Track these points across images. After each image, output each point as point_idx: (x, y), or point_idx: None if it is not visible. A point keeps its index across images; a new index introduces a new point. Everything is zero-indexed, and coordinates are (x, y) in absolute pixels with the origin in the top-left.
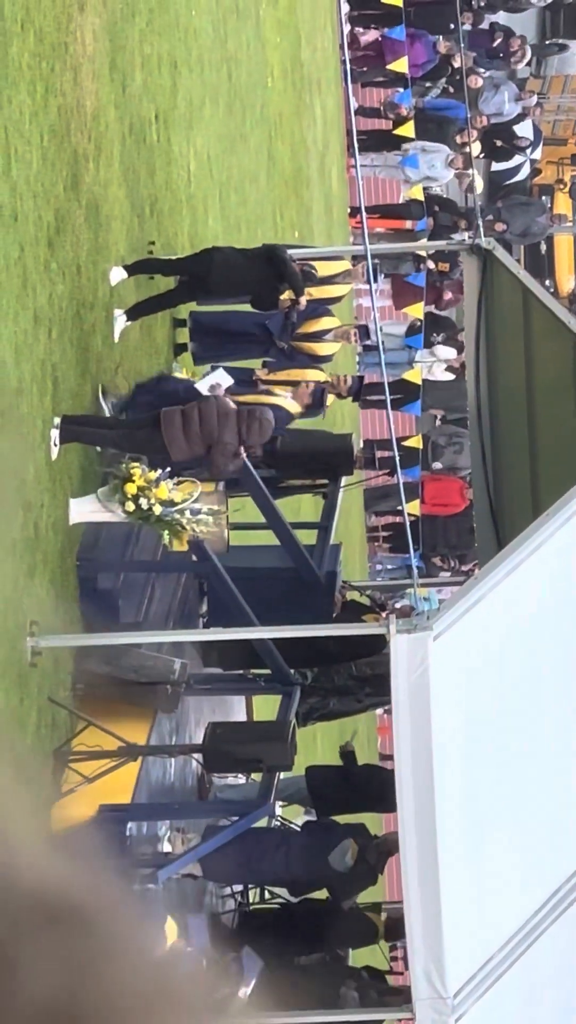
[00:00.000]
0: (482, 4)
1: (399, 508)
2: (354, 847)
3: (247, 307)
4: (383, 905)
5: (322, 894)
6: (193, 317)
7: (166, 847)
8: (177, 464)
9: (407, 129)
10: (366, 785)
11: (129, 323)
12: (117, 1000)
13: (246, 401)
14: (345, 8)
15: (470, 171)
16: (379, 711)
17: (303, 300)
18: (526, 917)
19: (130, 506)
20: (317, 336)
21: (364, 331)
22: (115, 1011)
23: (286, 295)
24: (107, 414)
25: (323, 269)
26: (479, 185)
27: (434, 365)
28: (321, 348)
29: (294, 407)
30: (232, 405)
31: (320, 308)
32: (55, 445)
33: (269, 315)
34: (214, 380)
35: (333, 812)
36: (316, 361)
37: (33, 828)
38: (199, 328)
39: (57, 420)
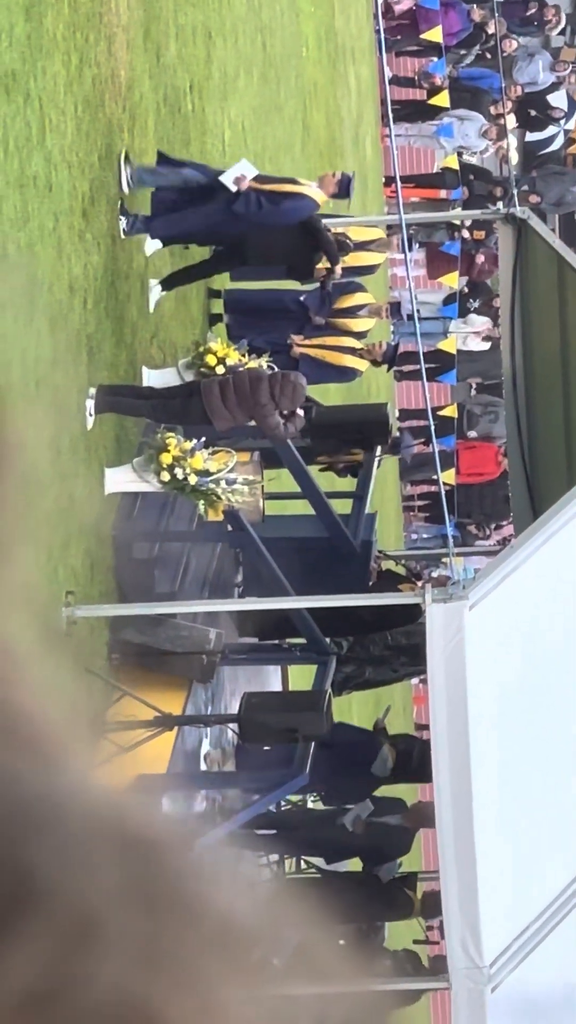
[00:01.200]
0: None
1: (434, 477)
2: (392, 752)
3: (283, 284)
4: (419, 876)
5: (358, 864)
6: (228, 293)
7: (202, 765)
8: (213, 434)
9: (441, 99)
10: (402, 755)
11: (164, 293)
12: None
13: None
14: None
15: (504, 142)
16: (415, 681)
17: (338, 269)
18: (562, 887)
19: (165, 476)
20: (351, 312)
21: (396, 308)
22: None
23: (321, 264)
24: (126, 183)
25: (357, 235)
26: (514, 156)
27: (468, 337)
28: (356, 324)
29: (319, 195)
30: (264, 371)
31: (353, 283)
32: (90, 415)
33: (305, 292)
34: (238, 172)
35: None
36: (351, 337)
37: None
38: (234, 304)
39: (92, 390)
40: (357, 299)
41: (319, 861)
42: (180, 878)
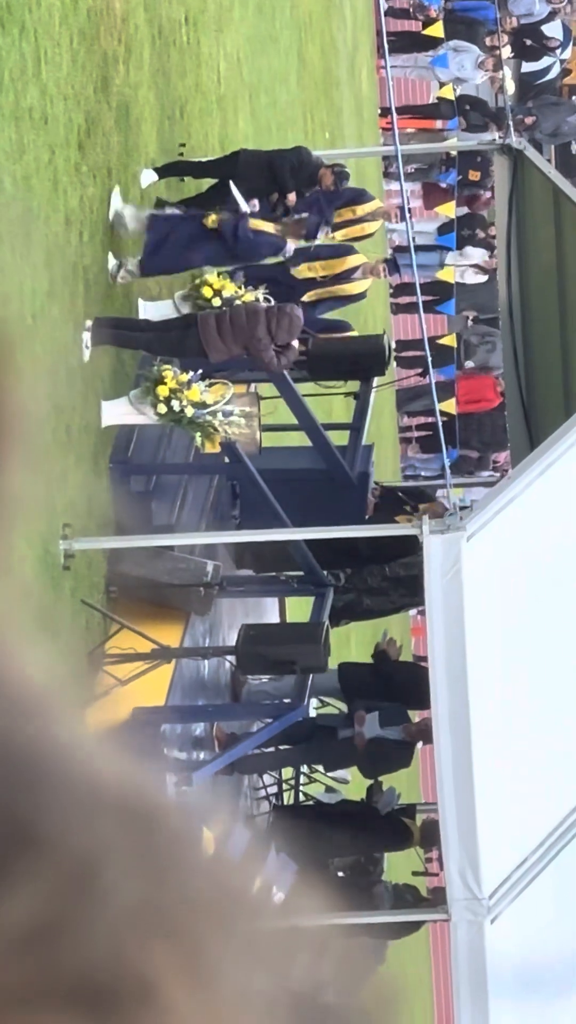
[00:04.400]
0: None
1: (432, 408)
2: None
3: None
4: (418, 807)
5: (359, 792)
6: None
7: None
8: (210, 367)
9: (436, 29)
10: (400, 681)
11: None
12: (181, 895)
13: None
14: None
15: (500, 72)
16: (413, 612)
17: (291, 197)
18: (561, 817)
19: (162, 408)
20: (346, 276)
21: (392, 264)
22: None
23: (329, 178)
24: (111, 214)
25: (357, 211)
26: (510, 86)
27: (466, 270)
28: (353, 287)
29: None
30: (261, 304)
31: (342, 247)
32: (86, 348)
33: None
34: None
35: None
36: (351, 300)
37: (73, 727)
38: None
39: (89, 323)
40: (350, 262)
41: (319, 794)
42: (178, 818)
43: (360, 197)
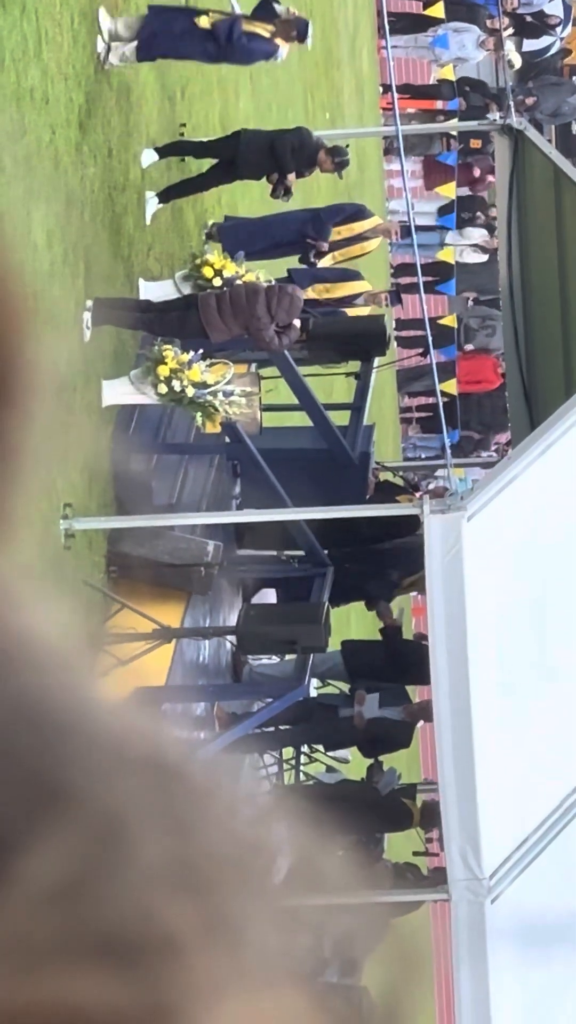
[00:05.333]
0: None
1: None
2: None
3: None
4: (418, 787)
5: (359, 772)
6: (224, 224)
7: None
8: (211, 346)
9: (437, 10)
10: (408, 658)
11: (161, 205)
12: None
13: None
14: None
15: (502, 51)
16: (413, 592)
17: (291, 177)
18: (562, 797)
19: (163, 388)
20: (348, 301)
21: (395, 295)
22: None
23: (328, 163)
24: (106, 36)
25: (356, 229)
26: (516, 59)
27: (465, 250)
28: (351, 312)
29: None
30: (261, 283)
31: (350, 272)
32: (87, 328)
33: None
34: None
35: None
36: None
37: (93, 684)
38: (229, 232)
39: (89, 303)
40: (354, 287)
41: (320, 774)
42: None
43: (360, 214)
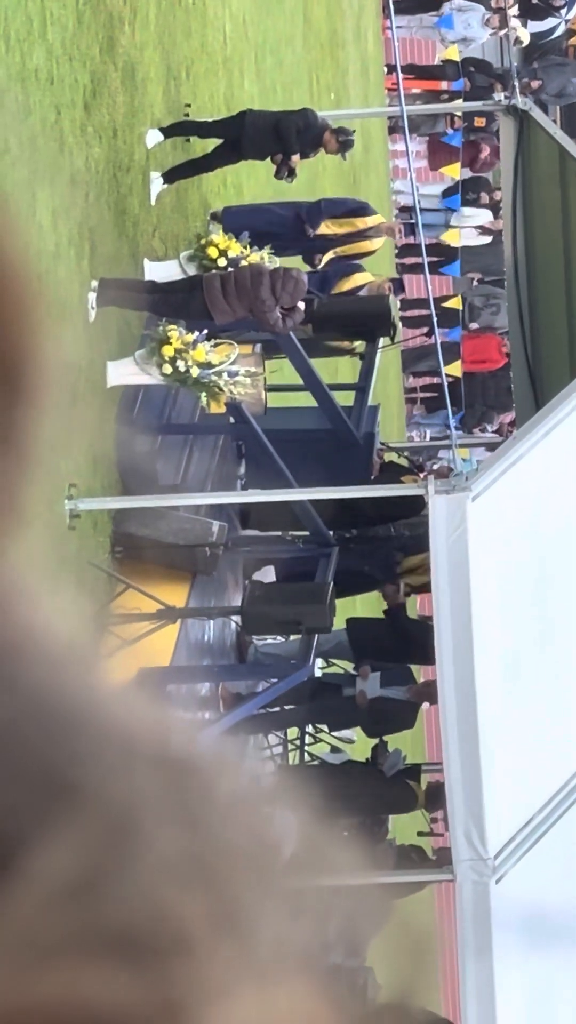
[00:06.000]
0: None
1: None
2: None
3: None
4: (423, 768)
5: (364, 753)
6: (226, 213)
7: None
8: (215, 327)
9: None
10: (414, 636)
11: (166, 186)
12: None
13: None
14: None
15: (507, 30)
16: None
17: (296, 158)
18: (567, 777)
19: (167, 368)
20: (351, 295)
21: (399, 285)
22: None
23: (333, 144)
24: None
25: (358, 224)
26: (525, 36)
27: (470, 231)
28: None
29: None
30: (266, 265)
31: (351, 265)
32: (92, 308)
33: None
34: None
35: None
36: None
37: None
38: (232, 212)
39: (94, 283)
40: (356, 280)
41: (324, 754)
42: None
43: (362, 210)
